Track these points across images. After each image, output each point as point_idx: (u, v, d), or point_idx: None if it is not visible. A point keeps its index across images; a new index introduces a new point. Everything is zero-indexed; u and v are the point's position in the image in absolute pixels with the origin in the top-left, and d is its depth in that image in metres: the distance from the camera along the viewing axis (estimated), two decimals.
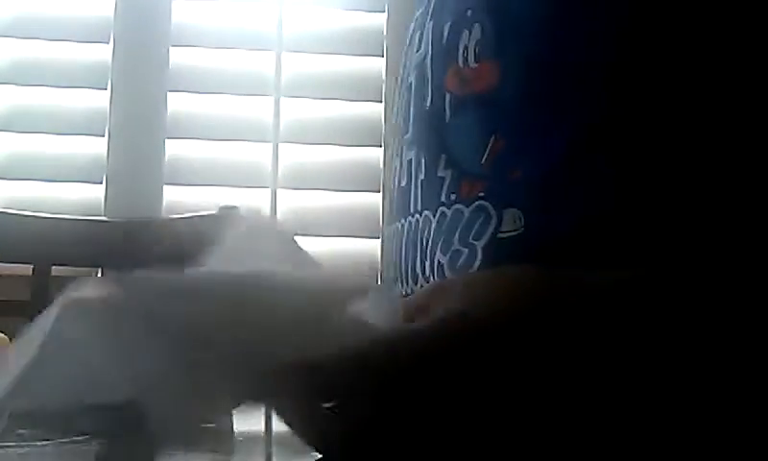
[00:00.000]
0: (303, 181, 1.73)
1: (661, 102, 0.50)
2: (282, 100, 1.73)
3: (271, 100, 1.73)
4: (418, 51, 0.60)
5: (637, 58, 0.50)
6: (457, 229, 0.54)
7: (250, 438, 0.69)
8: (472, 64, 0.54)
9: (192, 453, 0.60)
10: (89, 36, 1.71)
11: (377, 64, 1.75)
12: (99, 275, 1.68)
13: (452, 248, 0.54)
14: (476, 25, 0.54)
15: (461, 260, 0.53)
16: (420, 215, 0.58)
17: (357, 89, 1.76)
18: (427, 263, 0.57)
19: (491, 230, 0.52)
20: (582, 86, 0.51)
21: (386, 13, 1.77)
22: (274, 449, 0.64)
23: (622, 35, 0.51)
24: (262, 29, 1.75)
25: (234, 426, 0.76)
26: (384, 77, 1.75)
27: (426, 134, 0.58)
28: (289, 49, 1.74)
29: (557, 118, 0.51)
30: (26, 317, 1.66)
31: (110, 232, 1.63)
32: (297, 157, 1.73)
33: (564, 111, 0.51)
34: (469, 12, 0.55)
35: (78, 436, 0.61)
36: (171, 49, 1.72)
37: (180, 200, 1.69)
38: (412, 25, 0.65)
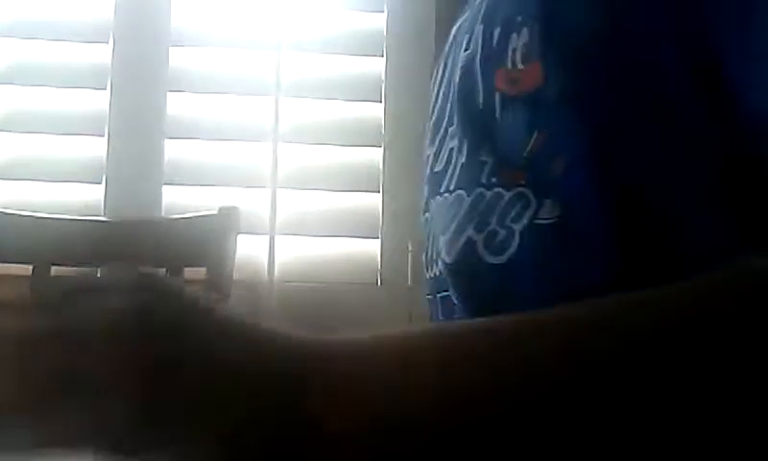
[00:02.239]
0: (303, 182, 1.73)
1: (698, 107, 0.53)
2: (282, 100, 1.73)
3: (271, 100, 1.73)
4: (466, 51, 0.64)
5: (677, 60, 0.53)
6: (495, 210, 0.58)
7: None
8: (520, 66, 0.58)
9: None
10: (89, 36, 1.71)
11: (377, 65, 1.75)
12: (99, 275, 1.68)
13: (488, 228, 0.58)
14: (524, 29, 0.58)
15: (496, 240, 0.57)
16: (451, 194, 0.62)
17: (357, 90, 1.76)
18: (446, 239, 0.61)
19: (529, 215, 0.56)
20: (618, 86, 0.55)
21: (386, 14, 1.77)
22: None
23: (662, 37, 0.54)
24: (262, 29, 1.75)
25: None
26: (384, 77, 1.75)
27: (474, 127, 0.62)
28: (289, 49, 1.74)
29: (595, 116, 0.55)
30: None
31: (110, 232, 1.63)
32: (297, 157, 1.73)
33: (603, 110, 0.55)
34: (519, 18, 0.59)
35: None
36: (171, 49, 1.72)
37: (179, 200, 1.69)
38: (455, 28, 0.70)
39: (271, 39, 1.74)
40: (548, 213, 0.55)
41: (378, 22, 1.77)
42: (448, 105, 0.66)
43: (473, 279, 0.60)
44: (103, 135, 1.70)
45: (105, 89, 1.70)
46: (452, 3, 0.81)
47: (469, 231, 0.59)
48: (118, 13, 1.72)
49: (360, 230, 1.73)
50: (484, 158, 0.60)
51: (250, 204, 1.67)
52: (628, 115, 0.55)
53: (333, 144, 1.74)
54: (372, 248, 1.73)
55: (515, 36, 0.59)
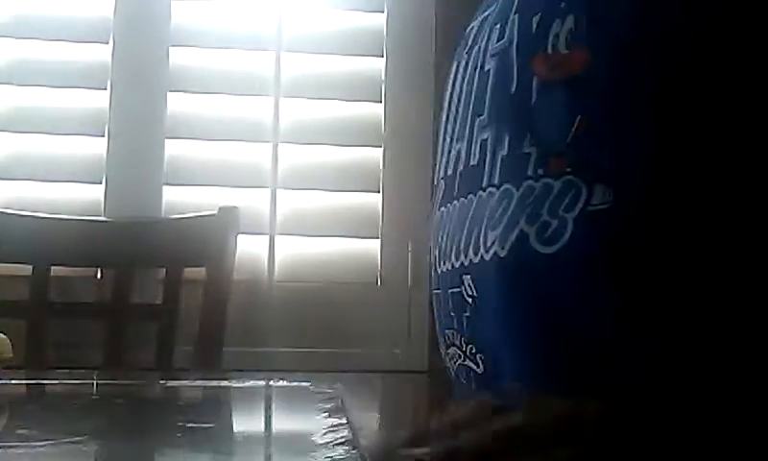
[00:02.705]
0: (303, 182, 1.73)
1: (743, 91, 0.56)
2: (282, 100, 1.73)
3: (270, 100, 1.73)
4: (499, 41, 0.65)
5: (719, 50, 0.56)
6: (546, 201, 0.59)
7: (250, 438, 0.69)
8: (563, 51, 0.60)
9: (192, 453, 0.60)
10: (89, 36, 1.71)
11: (377, 64, 1.75)
12: (99, 275, 1.68)
13: (540, 219, 0.59)
14: (569, 16, 0.59)
15: (549, 231, 0.58)
16: (497, 189, 0.63)
17: (357, 89, 1.76)
18: (493, 234, 0.62)
19: (581, 203, 0.57)
20: (664, 73, 0.56)
21: (386, 13, 1.77)
22: (274, 449, 0.64)
23: (707, 27, 0.56)
24: (262, 29, 1.75)
25: (234, 426, 0.76)
26: (384, 77, 1.75)
27: (509, 115, 0.63)
28: (289, 49, 1.74)
29: (641, 101, 0.57)
30: (26, 317, 1.66)
31: (110, 232, 1.63)
32: (296, 157, 1.73)
33: (648, 96, 0.56)
34: (563, 5, 0.60)
35: (78, 436, 0.61)
36: (171, 49, 1.72)
37: (179, 200, 1.69)
38: (473, 27, 0.72)
39: (271, 39, 1.74)
40: (600, 199, 0.57)
41: (378, 22, 1.77)
42: (473, 97, 0.68)
43: (526, 271, 0.61)
44: (103, 135, 1.70)
45: (105, 89, 1.70)
46: (452, 3, 0.82)
47: (522, 224, 0.60)
48: (118, 13, 1.72)
49: (360, 229, 1.73)
50: (527, 150, 0.61)
51: (250, 204, 1.67)
52: (675, 99, 0.56)
53: (333, 144, 1.73)
54: (372, 248, 1.73)
55: (558, 21, 0.60)
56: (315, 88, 1.74)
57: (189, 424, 0.67)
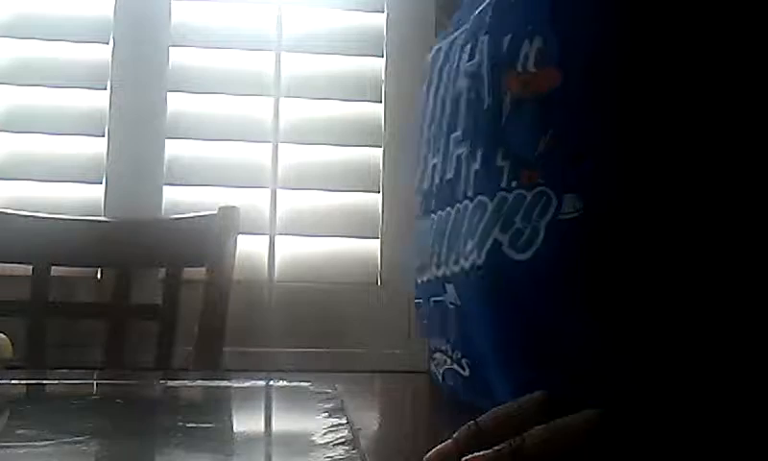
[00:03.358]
0: (303, 182, 1.73)
1: (705, 105, 0.59)
2: (282, 100, 1.73)
3: (270, 100, 1.73)
4: (471, 61, 0.69)
5: (683, 67, 0.59)
6: (519, 211, 0.62)
7: (250, 438, 0.69)
8: (532, 70, 0.63)
9: (192, 453, 0.60)
10: (89, 36, 1.71)
11: (377, 64, 1.75)
12: (99, 275, 1.68)
13: (514, 227, 0.62)
14: (538, 36, 0.63)
15: (522, 238, 0.62)
16: (472, 201, 0.66)
17: (357, 89, 1.76)
18: (471, 243, 0.65)
19: (552, 212, 0.60)
20: (629, 89, 0.60)
21: (386, 13, 1.77)
22: (274, 449, 0.64)
23: (671, 44, 0.60)
24: (262, 29, 1.75)
25: (234, 426, 0.76)
26: (384, 77, 1.75)
27: (482, 131, 0.66)
28: (289, 49, 1.74)
29: (608, 116, 0.60)
30: (26, 317, 1.66)
31: (110, 232, 1.63)
32: (296, 157, 1.73)
33: (614, 111, 0.60)
34: (530, 26, 0.64)
35: (78, 436, 0.61)
36: (171, 49, 1.72)
37: (180, 200, 1.69)
38: (441, 48, 0.76)
39: (271, 39, 1.74)
40: (571, 208, 0.59)
41: (378, 22, 1.77)
42: (447, 114, 0.71)
43: (501, 278, 0.63)
44: (103, 135, 1.70)
45: (104, 89, 1.70)
46: (452, 3, 0.82)
47: (496, 233, 0.63)
48: (118, 13, 1.72)
49: (360, 230, 1.73)
50: (500, 164, 0.64)
51: (250, 204, 1.67)
52: (644, 110, 0.59)
53: (333, 144, 1.74)
54: (372, 248, 1.73)
55: (527, 42, 0.63)
56: (315, 88, 1.74)
57: (189, 424, 0.67)
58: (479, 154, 0.66)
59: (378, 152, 1.74)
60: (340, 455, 0.55)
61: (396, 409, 0.82)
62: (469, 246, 0.66)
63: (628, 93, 0.60)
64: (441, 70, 0.75)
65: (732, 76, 0.59)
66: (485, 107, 0.66)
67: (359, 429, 0.65)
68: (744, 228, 0.58)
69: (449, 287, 0.69)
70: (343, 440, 0.59)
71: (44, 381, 0.97)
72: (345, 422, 0.66)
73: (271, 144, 1.72)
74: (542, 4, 0.64)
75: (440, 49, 0.78)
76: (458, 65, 0.71)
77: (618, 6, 0.61)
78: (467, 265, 0.66)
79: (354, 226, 1.73)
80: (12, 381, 0.90)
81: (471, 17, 0.71)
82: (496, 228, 0.63)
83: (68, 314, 1.63)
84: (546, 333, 0.62)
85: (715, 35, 0.59)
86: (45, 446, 0.58)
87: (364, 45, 1.76)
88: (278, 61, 1.73)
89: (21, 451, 0.56)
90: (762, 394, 0.57)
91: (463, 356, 0.69)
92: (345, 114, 1.75)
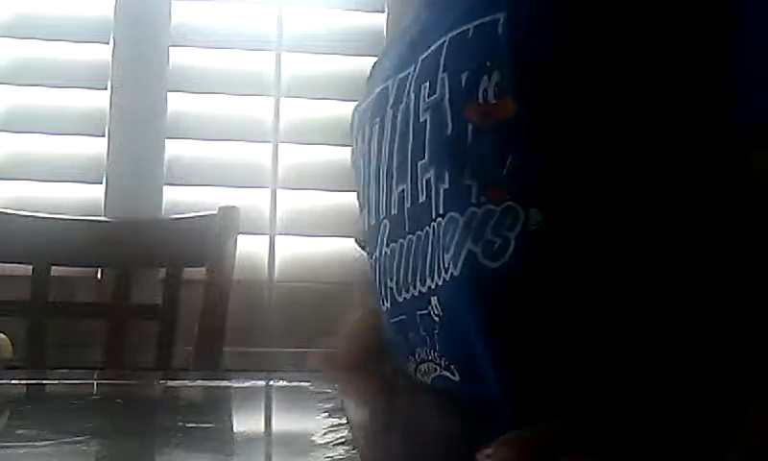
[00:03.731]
0: (303, 181, 1.73)
1: (658, 124, 0.66)
2: (282, 100, 1.73)
3: (271, 100, 1.73)
4: (431, 96, 0.75)
5: (631, 90, 0.66)
6: (488, 224, 0.69)
7: (250, 438, 0.69)
8: (492, 101, 0.69)
9: (192, 453, 0.60)
10: (89, 36, 1.71)
11: None
12: (99, 275, 1.68)
13: (485, 238, 0.69)
14: (495, 71, 0.69)
15: (494, 248, 0.68)
16: (444, 217, 0.72)
17: (357, 89, 1.75)
18: (447, 257, 0.71)
19: (520, 224, 0.67)
20: (582, 111, 0.67)
21: (386, 13, 1.77)
22: (274, 449, 0.64)
23: (618, 67, 0.67)
24: (262, 29, 1.75)
25: (234, 426, 0.76)
26: None
27: (448, 155, 0.73)
28: (289, 49, 1.74)
29: (564, 137, 0.67)
30: (26, 317, 1.65)
31: (110, 232, 1.63)
32: (297, 157, 1.73)
33: (570, 132, 0.67)
34: (488, 63, 0.70)
35: (78, 436, 0.61)
36: (171, 49, 1.72)
37: (180, 200, 1.69)
38: (392, 82, 0.83)
39: (271, 39, 1.74)
40: (536, 220, 0.67)
41: (378, 22, 1.77)
42: (410, 144, 0.78)
43: (478, 286, 0.70)
44: (103, 135, 1.70)
45: (105, 89, 1.70)
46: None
47: (469, 244, 0.70)
48: (118, 13, 1.72)
49: None
50: (468, 182, 0.71)
51: (250, 204, 1.67)
52: (592, 129, 0.67)
53: (333, 144, 1.73)
54: None
55: (485, 77, 0.70)
56: (315, 88, 1.74)
57: (189, 424, 0.67)
58: (446, 175, 0.72)
59: None
60: (340, 455, 0.55)
61: (397, 409, 0.83)
62: (446, 259, 0.72)
63: (578, 116, 0.67)
64: (394, 107, 0.81)
65: (676, 89, 0.66)
66: (449, 133, 0.72)
67: (359, 429, 0.65)
68: (691, 230, 0.66)
69: (433, 299, 0.74)
70: (343, 440, 0.59)
71: (44, 381, 0.97)
72: (345, 422, 0.66)
73: (271, 144, 1.72)
74: (498, 43, 0.70)
75: (386, 89, 0.84)
76: (417, 101, 0.77)
77: (563, 37, 0.68)
78: (447, 276, 0.72)
79: (354, 226, 1.73)
80: (12, 381, 0.90)
81: (420, 58, 0.78)
82: (469, 239, 0.70)
83: (68, 314, 1.63)
84: (524, 333, 0.68)
85: (652, 60, 0.66)
86: (45, 446, 0.58)
87: (364, 45, 1.76)
88: (278, 61, 1.73)
89: (21, 451, 0.56)
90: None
91: (451, 363, 0.74)
92: (345, 114, 1.74)
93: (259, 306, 1.69)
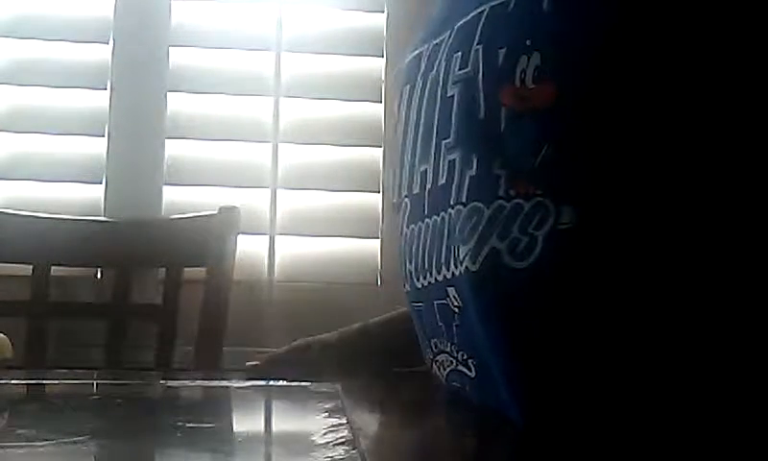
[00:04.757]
0: (303, 181, 1.73)
1: (703, 119, 0.61)
2: (282, 100, 1.73)
3: (270, 100, 1.73)
4: (462, 69, 0.69)
5: (678, 81, 0.61)
6: (516, 220, 0.63)
7: (250, 438, 0.69)
8: (530, 85, 0.64)
9: (192, 453, 0.60)
10: (89, 36, 1.71)
11: (377, 64, 1.76)
12: (99, 275, 1.68)
13: (511, 235, 0.64)
14: (536, 53, 0.63)
15: (520, 247, 0.63)
16: (465, 206, 0.67)
17: (357, 89, 1.76)
18: (465, 249, 0.66)
19: (550, 222, 0.62)
20: (627, 103, 0.61)
21: (386, 13, 1.77)
22: (273, 449, 0.64)
23: (665, 58, 0.61)
24: (262, 29, 1.75)
25: (234, 426, 0.76)
26: (384, 77, 1.75)
27: (477, 140, 0.67)
28: (289, 49, 1.74)
29: (606, 130, 0.62)
30: (26, 317, 1.66)
31: (110, 232, 1.63)
32: (297, 157, 1.73)
33: (612, 124, 0.61)
34: (528, 42, 0.64)
35: (78, 436, 0.61)
36: (171, 49, 1.72)
37: (180, 200, 1.69)
38: (426, 48, 0.77)
39: (271, 39, 1.74)
40: (568, 219, 0.61)
41: (378, 22, 1.77)
42: (437, 120, 0.72)
43: (498, 285, 0.65)
44: (103, 135, 1.70)
45: (105, 89, 1.70)
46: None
47: (493, 240, 0.65)
48: (118, 13, 1.72)
49: (360, 229, 1.73)
50: (497, 172, 0.65)
51: (250, 204, 1.67)
52: (638, 125, 0.61)
53: (333, 144, 1.74)
54: (372, 248, 1.73)
55: (524, 58, 0.64)
56: (315, 88, 1.74)
57: (189, 424, 0.67)
58: (474, 160, 0.67)
59: (378, 152, 1.74)
60: (340, 455, 0.55)
61: (396, 409, 0.83)
62: (463, 251, 0.67)
63: (622, 109, 0.61)
64: (425, 75, 0.76)
65: (728, 85, 0.60)
66: (480, 116, 0.67)
67: (359, 429, 0.65)
68: (735, 235, 0.60)
69: (451, 290, 0.70)
70: (343, 440, 0.59)
71: (44, 381, 0.97)
72: (345, 422, 0.66)
73: (271, 144, 1.72)
74: (541, 21, 0.64)
75: (420, 54, 0.78)
76: (447, 72, 0.72)
77: (613, 21, 0.62)
78: (462, 269, 0.67)
79: (354, 226, 1.73)
80: (12, 381, 0.90)
81: (456, 26, 0.72)
82: (494, 235, 0.65)
83: (68, 314, 1.63)
84: (545, 339, 0.63)
85: (710, 45, 0.60)
86: (45, 446, 0.58)
87: (364, 45, 1.76)
88: (278, 61, 1.73)
89: (21, 451, 0.56)
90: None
91: (469, 357, 0.70)
92: (345, 114, 1.75)
93: (259, 306, 1.69)
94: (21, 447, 0.57)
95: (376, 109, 1.74)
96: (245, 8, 1.75)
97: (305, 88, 1.74)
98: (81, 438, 0.60)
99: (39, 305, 1.57)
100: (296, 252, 1.72)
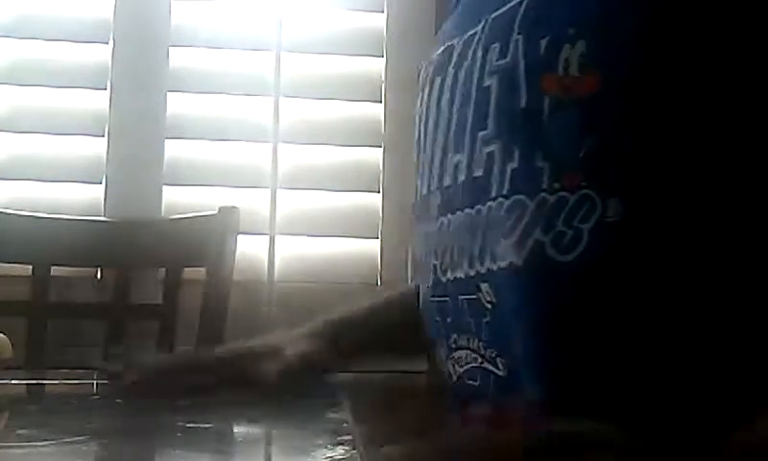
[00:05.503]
0: (303, 182, 1.73)
1: (752, 109, 0.60)
2: (282, 100, 1.73)
3: (270, 100, 1.73)
4: (501, 60, 0.68)
5: (726, 71, 0.60)
6: (561, 213, 0.62)
7: (250, 438, 0.69)
8: (575, 74, 0.63)
9: (192, 453, 0.60)
10: (89, 36, 1.71)
11: (377, 64, 1.75)
12: (99, 275, 1.68)
13: (556, 229, 0.62)
14: (580, 41, 0.62)
15: (564, 240, 0.62)
16: (507, 199, 0.65)
17: (357, 89, 1.76)
18: (507, 243, 0.65)
19: (596, 215, 0.61)
20: (673, 93, 0.60)
21: (386, 13, 1.77)
22: (274, 449, 0.64)
23: (714, 48, 0.60)
24: (262, 29, 1.75)
25: (234, 426, 0.76)
26: (384, 77, 1.75)
27: (518, 131, 0.66)
28: (289, 49, 1.74)
29: (652, 120, 0.61)
30: (26, 317, 1.66)
31: (110, 232, 1.63)
32: (297, 157, 1.73)
33: (659, 115, 0.60)
34: (572, 30, 0.63)
35: (78, 436, 0.61)
36: (171, 49, 1.72)
37: (180, 200, 1.69)
38: (457, 42, 0.75)
39: (271, 39, 1.74)
40: (614, 212, 0.60)
41: (378, 22, 1.77)
42: (471, 111, 0.70)
43: (542, 279, 0.64)
44: (103, 135, 1.70)
45: (104, 89, 1.70)
46: (452, 3, 0.82)
47: (537, 234, 0.64)
48: (118, 13, 1.72)
49: (360, 230, 1.73)
50: (539, 164, 0.64)
51: (250, 204, 1.67)
52: (686, 114, 0.60)
53: (333, 144, 1.74)
54: (372, 248, 1.73)
55: (567, 46, 0.63)
56: (315, 88, 1.74)
57: (189, 425, 0.67)
58: (516, 153, 0.66)
59: (378, 152, 1.74)
60: (340, 455, 0.55)
61: (396, 409, 0.83)
62: (505, 245, 0.66)
63: (670, 97, 0.60)
64: (457, 67, 0.74)
65: None
66: (522, 106, 0.66)
67: (360, 430, 0.65)
68: None
69: (484, 286, 0.68)
70: (343, 440, 0.59)
71: (44, 381, 0.97)
72: (345, 422, 0.66)
73: (271, 144, 1.72)
74: (587, 9, 0.63)
75: (450, 48, 0.76)
76: (483, 64, 0.70)
77: (659, 6, 0.61)
78: (503, 264, 0.66)
79: (354, 226, 1.73)
80: (12, 381, 0.90)
81: (490, 18, 0.71)
82: (538, 228, 0.64)
83: (68, 314, 1.63)
84: (588, 335, 0.62)
85: (763, 29, 0.59)
86: (45, 446, 0.58)
87: (364, 45, 1.76)
88: (278, 62, 1.73)
89: (21, 451, 0.56)
90: None
91: (498, 355, 0.69)
92: (345, 115, 1.75)
93: (259, 306, 1.69)
94: (21, 447, 0.57)
95: (376, 110, 1.74)
96: (245, 8, 1.75)
97: (305, 89, 1.74)
98: (81, 438, 0.60)
99: (39, 305, 1.57)
100: (296, 252, 1.72)
